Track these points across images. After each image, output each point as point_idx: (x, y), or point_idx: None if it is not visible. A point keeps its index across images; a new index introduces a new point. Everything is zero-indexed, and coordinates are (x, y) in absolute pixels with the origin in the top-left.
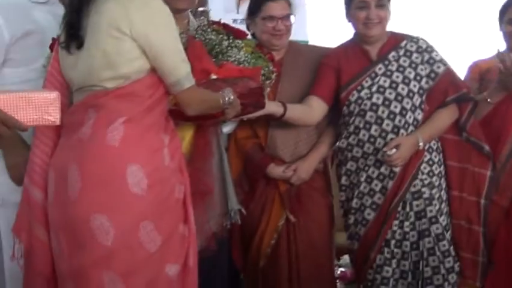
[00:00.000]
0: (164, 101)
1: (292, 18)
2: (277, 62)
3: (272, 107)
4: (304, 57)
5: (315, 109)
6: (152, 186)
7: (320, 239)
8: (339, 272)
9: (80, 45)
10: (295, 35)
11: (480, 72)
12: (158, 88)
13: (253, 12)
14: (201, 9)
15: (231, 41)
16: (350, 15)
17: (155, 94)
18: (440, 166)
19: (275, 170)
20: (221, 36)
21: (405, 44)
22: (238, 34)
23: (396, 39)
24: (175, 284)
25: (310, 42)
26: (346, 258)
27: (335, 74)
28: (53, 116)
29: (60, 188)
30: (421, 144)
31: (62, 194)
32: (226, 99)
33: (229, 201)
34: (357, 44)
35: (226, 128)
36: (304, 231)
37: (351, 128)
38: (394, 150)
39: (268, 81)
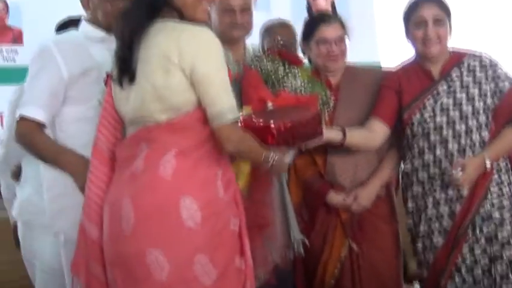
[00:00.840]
0: None
1: (346, 40)
2: (334, 86)
3: (331, 134)
4: (361, 80)
5: (377, 132)
6: (207, 219)
7: (385, 268)
8: None
9: (131, 79)
10: (366, 57)
11: None
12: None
13: (306, 36)
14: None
15: (286, 68)
16: (408, 34)
17: (207, 128)
18: (508, 186)
19: (335, 198)
20: (277, 64)
21: (468, 61)
22: (294, 61)
23: (458, 57)
24: None
25: (383, 65)
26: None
27: (397, 95)
28: None
29: (115, 223)
30: (489, 164)
31: (116, 229)
32: (270, 159)
33: (292, 232)
34: (419, 63)
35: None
36: (367, 260)
37: (415, 151)
38: (460, 172)
39: (326, 108)
